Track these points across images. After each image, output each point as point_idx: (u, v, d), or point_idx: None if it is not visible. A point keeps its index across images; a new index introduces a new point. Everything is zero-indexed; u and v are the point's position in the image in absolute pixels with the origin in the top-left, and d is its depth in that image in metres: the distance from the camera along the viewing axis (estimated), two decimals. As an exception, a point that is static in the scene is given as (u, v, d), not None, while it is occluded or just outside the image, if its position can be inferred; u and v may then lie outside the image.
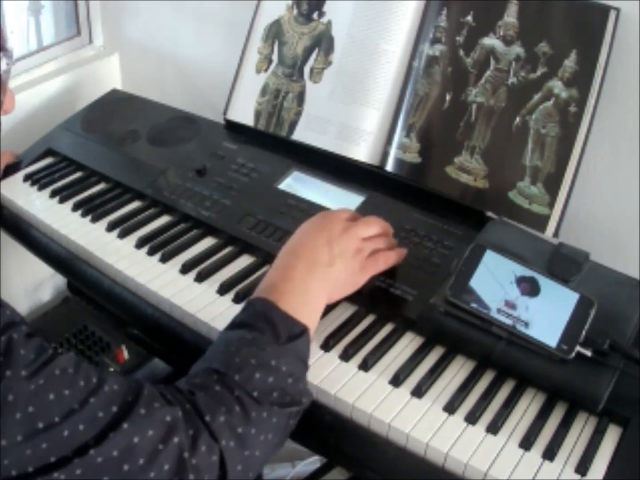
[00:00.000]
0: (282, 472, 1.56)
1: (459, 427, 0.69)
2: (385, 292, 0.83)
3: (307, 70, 1.09)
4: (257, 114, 1.13)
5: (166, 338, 0.87)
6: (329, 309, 0.84)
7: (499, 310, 0.76)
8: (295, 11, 1.10)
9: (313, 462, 1.54)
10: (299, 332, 0.70)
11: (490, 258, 0.79)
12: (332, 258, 0.75)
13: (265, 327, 0.68)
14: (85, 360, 1.36)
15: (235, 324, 0.71)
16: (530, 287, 0.76)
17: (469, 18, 0.96)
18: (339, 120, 1.05)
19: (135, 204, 1.06)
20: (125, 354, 1.38)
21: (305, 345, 0.71)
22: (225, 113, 1.16)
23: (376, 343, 0.79)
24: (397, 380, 0.74)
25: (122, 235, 0.98)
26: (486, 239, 0.84)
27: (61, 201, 1.07)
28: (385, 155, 1.01)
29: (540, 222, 0.90)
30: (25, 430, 0.54)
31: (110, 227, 1.00)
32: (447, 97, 0.97)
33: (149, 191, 1.05)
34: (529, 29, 0.92)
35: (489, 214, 0.93)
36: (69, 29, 1.44)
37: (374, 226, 0.83)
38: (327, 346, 0.79)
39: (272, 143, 1.10)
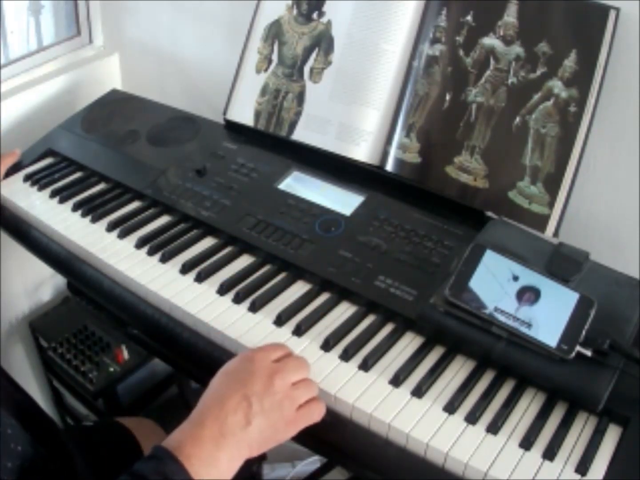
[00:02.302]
0: (282, 472, 1.57)
1: (459, 427, 0.69)
2: (385, 292, 0.83)
3: (307, 70, 1.09)
4: (257, 114, 1.13)
5: (166, 338, 0.87)
6: (329, 308, 0.85)
7: (498, 310, 0.76)
8: (295, 11, 1.10)
9: (313, 462, 1.54)
10: None
11: (490, 258, 0.79)
12: (249, 417, 0.67)
13: None
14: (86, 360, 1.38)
15: (137, 475, 0.64)
16: (530, 287, 0.76)
17: (469, 18, 0.96)
18: (339, 120, 1.05)
19: (135, 204, 1.06)
20: (125, 354, 1.38)
21: None
22: (225, 113, 1.16)
23: (376, 343, 0.79)
24: (397, 380, 0.74)
25: (122, 235, 0.98)
26: (486, 239, 0.84)
27: (61, 201, 1.07)
28: (385, 155, 1.01)
29: (540, 221, 0.90)
30: None
31: (110, 228, 1.00)
32: (447, 97, 0.97)
33: (149, 191, 1.05)
34: (528, 29, 0.91)
35: (489, 213, 0.93)
36: (69, 29, 1.44)
37: (305, 368, 0.74)
38: (327, 346, 0.79)
39: (272, 143, 1.10)
